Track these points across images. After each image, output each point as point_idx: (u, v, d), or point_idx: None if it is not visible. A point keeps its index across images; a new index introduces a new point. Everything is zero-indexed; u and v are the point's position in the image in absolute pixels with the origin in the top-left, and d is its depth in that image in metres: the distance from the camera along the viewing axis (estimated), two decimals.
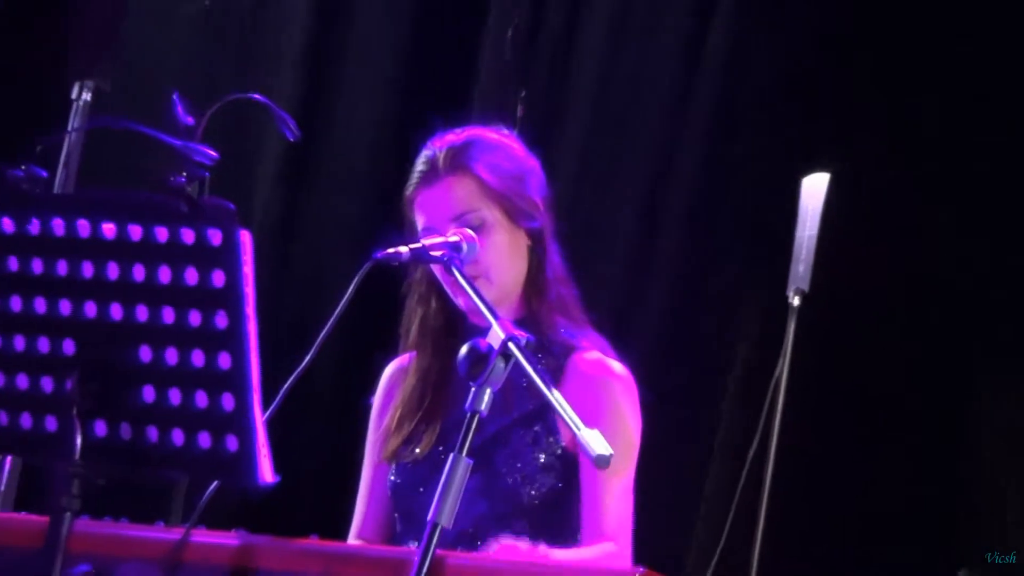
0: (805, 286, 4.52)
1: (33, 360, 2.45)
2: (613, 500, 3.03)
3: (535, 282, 3.14)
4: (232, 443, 2.35)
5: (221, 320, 2.34)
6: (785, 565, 4.49)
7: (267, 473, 2.35)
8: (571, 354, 3.13)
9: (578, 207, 4.92)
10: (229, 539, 2.61)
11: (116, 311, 2.40)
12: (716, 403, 4.82)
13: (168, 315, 2.37)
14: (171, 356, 2.37)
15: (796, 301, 4.53)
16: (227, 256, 2.33)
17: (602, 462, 2.46)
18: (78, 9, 4.82)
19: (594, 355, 3.13)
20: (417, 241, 2.97)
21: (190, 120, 2.47)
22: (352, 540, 3.22)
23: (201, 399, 2.36)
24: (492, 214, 3.09)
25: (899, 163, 4.72)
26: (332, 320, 2.81)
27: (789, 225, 4.58)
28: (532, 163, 3.20)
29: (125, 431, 2.41)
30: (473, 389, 2.55)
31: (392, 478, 3.16)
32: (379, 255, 2.87)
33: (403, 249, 2.90)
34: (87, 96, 4.68)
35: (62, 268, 2.42)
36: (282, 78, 5.50)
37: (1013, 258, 4.65)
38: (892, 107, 4.76)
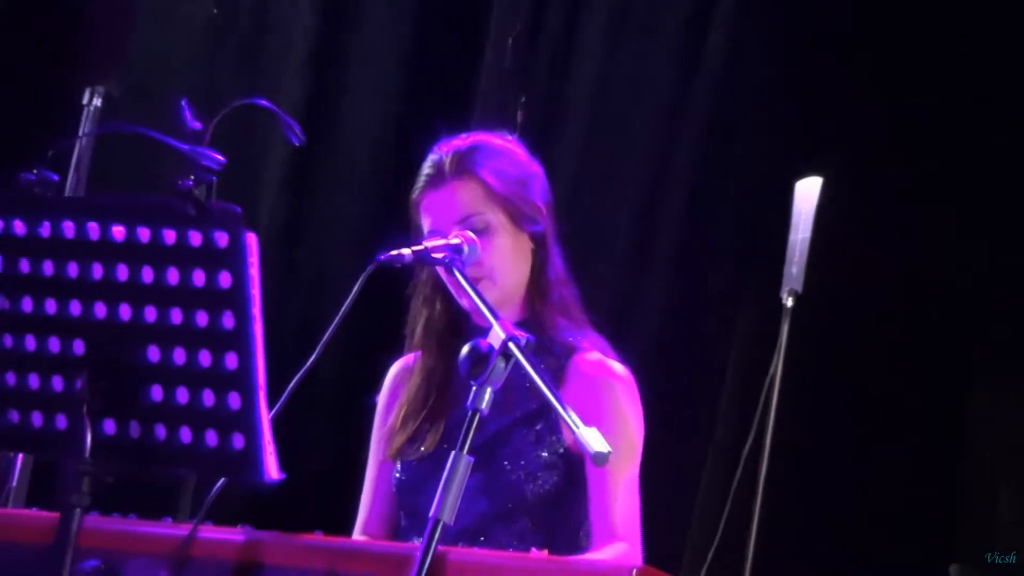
0: (799, 287, 4.52)
1: (44, 360, 2.45)
2: (620, 500, 3.03)
3: (538, 284, 3.15)
4: (238, 441, 2.35)
5: (228, 321, 2.34)
6: (779, 562, 4.49)
7: (272, 470, 2.35)
8: (572, 355, 3.13)
9: (577, 209, 4.92)
10: (235, 535, 2.61)
11: (125, 312, 2.40)
12: (712, 402, 4.82)
13: (176, 316, 2.37)
14: (179, 356, 2.37)
15: (790, 302, 4.53)
16: (234, 258, 2.33)
17: (600, 459, 2.46)
18: (88, 16, 4.82)
19: (595, 356, 3.13)
20: (419, 243, 2.97)
21: (198, 125, 2.47)
22: (357, 536, 3.22)
23: (208, 398, 2.36)
24: (496, 217, 3.10)
25: (891, 167, 4.71)
26: (336, 321, 2.81)
27: (783, 228, 4.58)
28: (536, 168, 3.20)
29: (134, 429, 2.41)
30: (474, 388, 2.55)
31: (397, 475, 3.16)
32: (382, 257, 2.88)
33: (406, 251, 2.91)
34: (97, 102, 4.69)
35: (72, 270, 2.42)
36: (287, 84, 5.50)
37: (1007, 259, 4.64)
38: (884, 112, 4.76)
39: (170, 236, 2.36)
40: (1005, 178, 4.65)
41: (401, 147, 5.36)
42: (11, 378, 2.47)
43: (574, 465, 3.05)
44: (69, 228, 2.41)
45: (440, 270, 3.09)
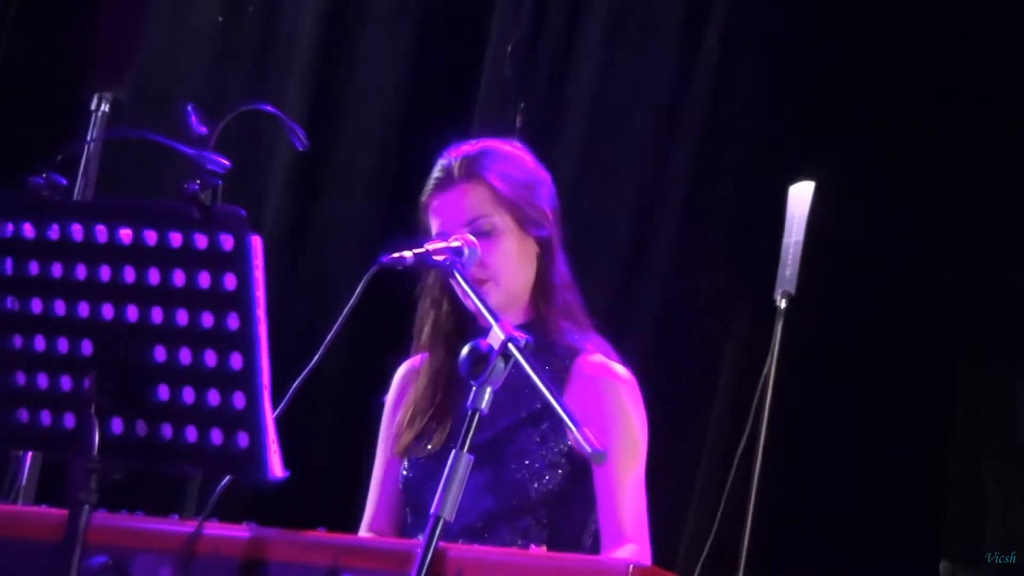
0: (792, 289, 4.52)
1: (52, 360, 2.44)
2: (627, 500, 3.03)
3: (542, 288, 3.15)
4: (243, 439, 2.35)
5: (233, 322, 2.34)
6: (773, 558, 4.48)
7: (277, 468, 2.35)
8: (576, 356, 3.13)
9: (574, 211, 4.91)
10: (240, 532, 2.61)
11: (132, 313, 2.39)
12: (706, 402, 4.82)
13: (182, 317, 2.37)
14: (185, 356, 2.37)
15: (783, 304, 4.53)
16: (239, 260, 2.33)
17: (598, 458, 2.46)
18: (97, 24, 4.82)
19: (598, 358, 3.13)
20: (421, 246, 2.97)
21: (203, 130, 2.46)
22: (363, 532, 3.22)
23: (213, 397, 2.36)
24: (503, 220, 3.10)
25: (882, 172, 4.71)
26: (339, 321, 2.81)
27: (776, 231, 4.57)
28: (543, 175, 3.21)
29: (141, 428, 2.40)
30: (474, 388, 2.55)
31: (404, 473, 3.16)
32: (384, 259, 2.88)
33: (407, 253, 2.90)
34: (105, 107, 4.68)
35: (80, 272, 2.42)
36: (292, 90, 5.50)
37: (994, 262, 4.65)
38: (875, 117, 4.76)
39: (176, 239, 2.35)
40: (993, 182, 4.65)
41: (403, 152, 5.36)
42: (20, 378, 2.47)
43: (579, 465, 3.04)
44: (77, 231, 2.41)
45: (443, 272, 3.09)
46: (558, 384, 3.08)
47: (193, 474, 4.35)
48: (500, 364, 2.54)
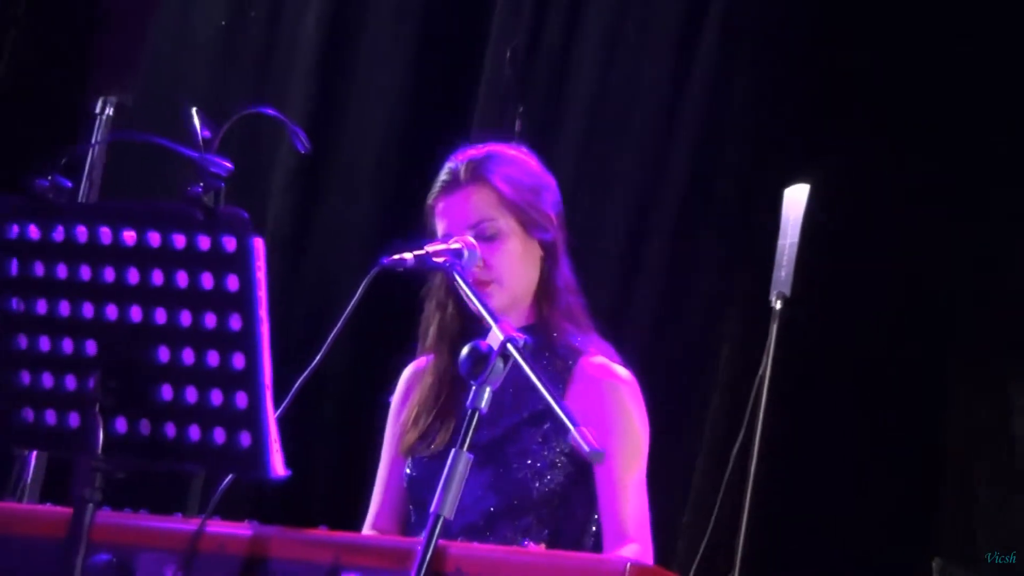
0: (787, 291, 4.52)
1: (57, 360, 2.44)
2: (629, 501, 3.03)
3: (546, 290, 3.15)
4: (245, 439, 2.35)
5: (235, 322, 2.34)
6: (768, 555, 4.48)
7: (279, 467, 2.34)
8: (578, 358, 3.13)
9: (572, 213, 4.91)
10: (243, 529, 2.60)
11: (136, 313, 2.39)
12: (703, 401, 4.81)
13: (185, 317, 2.36)
14: (188, 356, 2.36)
15: (778, 305, 4.53)
16: (241, 262, 2.33)
17: (596, 458, 2.46)
18: (102, 28, 4.82)
19: (600, 359, 3.13)
20: (421, 247, 2.97)
21: (207, 133, 2.46)
22: (367, 530, 3.22)
23: (216, 397, 2.36)
24: (507, 223, 3.11)
25: (876, 175, 4.71)
26: (341, 322, 2.81)
27: (772, 233, 4.57)
28: (548, 180, 3.22)
29: (144, 427, 2.40)
30: (473, 388, 2.55)
31: (408, 471, 3.16)
32: (385, 261, 2.88)
33: (408, 255, 2.91)
34: (110, 111, 4.68)
35: (85, 273, 2.42)
36: (294, 94, 5.50)
37: (988, 264, 4.65)
38: (869, 121, 4.76)
39: (179, 240, 2.35)
40: (989, 183, 4.65)
41: (403, 154, 5.36)
42: (26, 377, 2.47)
43: (580, 465, 3.04)
44: (82, 233, 2.40)
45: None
46: (560, 385, 3.08)
47: (196, 473, 4.35)
48: (499, 364, 2.54)
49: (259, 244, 2.33)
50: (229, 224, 2.32)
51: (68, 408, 2.44)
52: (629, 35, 5.12)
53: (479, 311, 2.75)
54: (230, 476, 2.65)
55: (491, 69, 5.24)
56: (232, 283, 2.33)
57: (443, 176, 3.16)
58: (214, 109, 2.54)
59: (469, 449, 2.51)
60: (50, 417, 2.46)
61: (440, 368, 3.18)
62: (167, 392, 2.38)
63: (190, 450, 2.38)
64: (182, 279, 2.36)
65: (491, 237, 3.08)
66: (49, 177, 2.42)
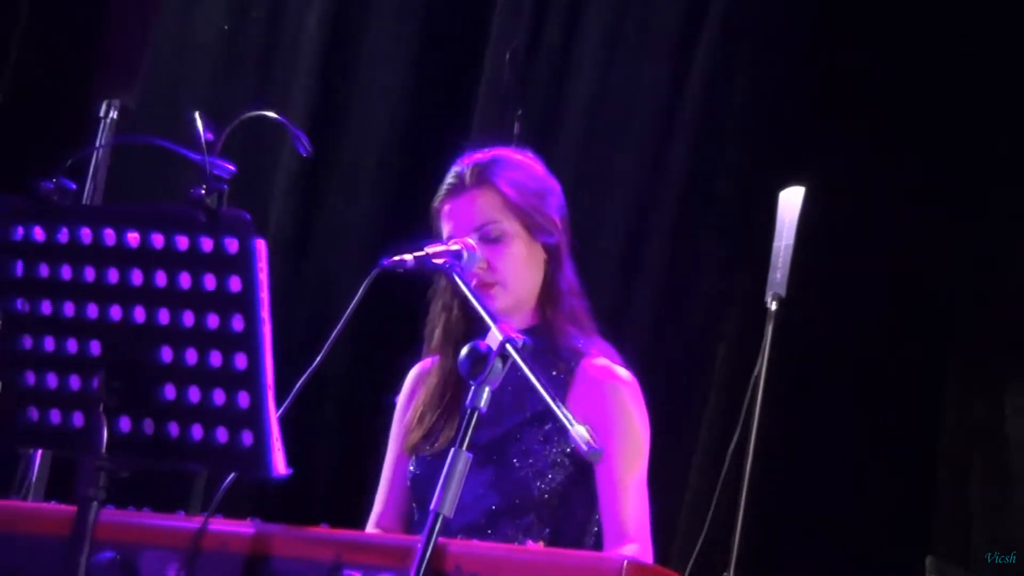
0: (782, 292, 4.51)
1: (62, 360, 2.44)
2: (630, 501, 3.03)
3: (549, 293, 3.16)
4: (247, 438, 2.35)
5: (237, 323, 2.34)
6: (764, 553, 4.48)
7: (280, 466, 2.34)
8: (580, 359, 3.14)
9: (571, 215, 4.91)
10: (245, 527, 2.60)
11: (139, 314, 2.39)
12: (699, 401, 4.81)
13: (188, 318, 2.36)
14: (191, 356, 2.36)
15: (774, 306, 4.53)
16: (243, 263, 2.32)
17: (594, 457, 2.46)
18: (105, 32, 4.82)
19: (601, 361, 3.14)
20: (421, 249, 2.97)
21: (209, 136, 2.45)
22: (371, 527, 3.22)
23: (219, 397, 2.36)
24: (512, 226, 3.11)
25: (870, 177, 4.71)
26: (342, 322, 2.81)
27: (767, 235, 4.57)
28: (553, 184, 3.23)
29: (148, 426, 2.40)
30: (472, 387, 2.55)
31: (412, 469, 3.16)
32: (386, 262, 2.88)
33: (408, 257, 2.91)
34: (114, 114, 4.68)
35: (89, 274, 2.42)
36: (295, 97, 5.50)
37: (983, 266, 4.64)
38: (868, 122, 4.76)
39: (183, 242, 2.35)
40: (982, 185, 4.65)
41: (404, 157, 5.36)
42: (30, 377, 2.47)
43: (581, 465, 3.04)
44: (86, 234, 2.40)
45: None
46: (563, 386, 3.09)
47: (199, 472, 4.35)
48: (498, 364, 2.54)
49: (261, 245, 2.33)
50: (232, 226, 2.32)
51: (72, 408, 2.44)
52: (629, 35, 5.12)
53: (478, 312, 2.76)
54: (232, 475, 2.65)
55: (491, 69, 5.24)
56: (234, 284, 2.33)
57: (449, 179, 3.17)
58: (216, 112, 2.54)
59: (470, 448, 2.51)
60: (55, 417, 2.46)
61: (445, 369, 3.19)
62: (170, 392, 2.38)
63: (193, 449, 2.38)
64: (185, 280, 2.36)
65: (495, 239, 3.09)
66: (54, 179, 2.42)
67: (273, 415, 2.34)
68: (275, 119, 2.85)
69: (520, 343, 2.55)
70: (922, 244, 4.64)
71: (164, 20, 5.42)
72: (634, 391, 3.12)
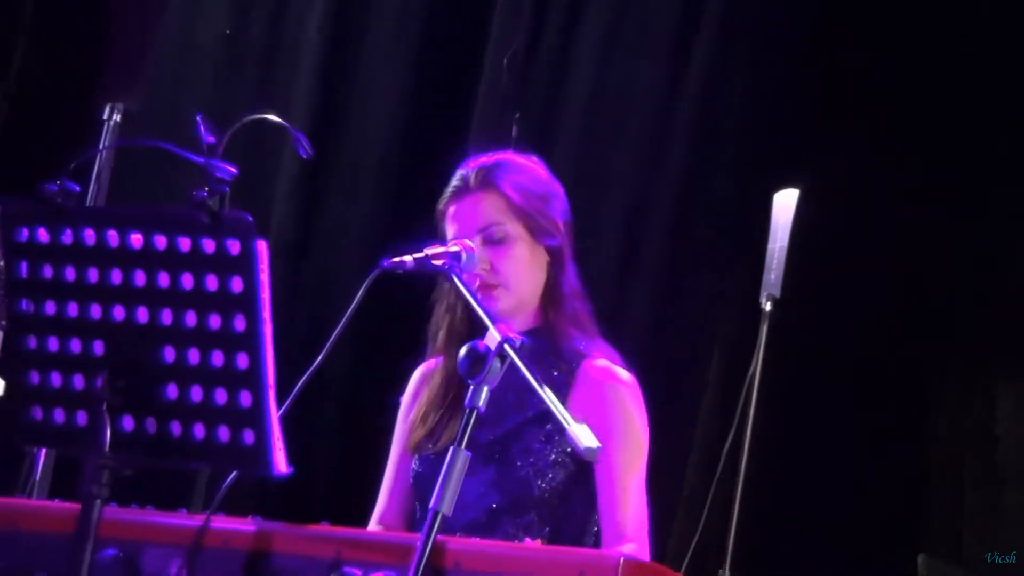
0: (777, 293, 4.52)
1: (65, 360, 2.44)
2: (629, 501, 3.03)
3: (552, 295, 3.17)
4: (249, 437, 2.35)
5: (239, 323, 2.34)
6: (757, 552, 4.48)
7: (281, 464, 2.34)
8: (582, 361, 3.14)
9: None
10: (246, 525, 2.60)
11: (142, 315, 2.39)
12: (694, 400, 4.81)
13: (190, 318, 2.36)
14: (193, 356, 2.36)
15: (768, 306, 4.53)
16: (245, 264, 2.32)
17: (591, 455, 2.46)
18: (109, 37, 4.82)
19: (602, 362, 3.14)
20: (421, 250, 2.97)
21: (211, 139, 2.46)
22: (373, 525, 3.22)
23: (220, 396, 2.36)
24: (515, 229, 3.12)
25: (865, 179, 4.71)
26: (342, 323, 2.81)
27: (762, 237, 4.57)
28: (557, 189, 3.24)
29: (150, 425, 2.40)
30: (471, 387, 2.55)
31: (415, 468, 3.16)
32: (386, 263, 2.89)
33: (407, 258, 2.92)
34: (117, 117, 4.68)
35: (93, 275, 2.42)
36: (296, 101, 5.49)
37: (974, 268, 4.64)
38: (861, 126, 4.76)
39: (185, 243, 2.35)
40: (974, 188, 4.65)
41: (403, 159, 5.36)
42: (35, 377, 2.47)
43: (582, 465, 3.05)
44: (90, 236, 2.41)
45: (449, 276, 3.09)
46: (564, 387, 3.10)
47: (201, 470, 4.34)
48: (496, 364, 2.54)
49: (262, 247, 2.33)
50: (233, 227, 2.32)
51: (76, 407, 2.44)
52: (627, 36, 5.12)
53: (476, 312, 2.76)
54: (234, 473, 2.65)
55: (491, 68, 5.24)
56: (236, 285, 2.33)
57: (454, 182, 3.18)
58: (218, 115, 2.54)
59: (473, 447, 2.51)
60: (59, 416, 2.46)
61: (449, 369, 3.19)
62: (173, 391, 2.38)
63: (195, 448, 2.38)
64: (187, 281, 2.36)
65: (499, 241, 3.10)
66: (58, 182, 2.42)
67: (274, 414, 2.34)
68: (276, 122, 2.86)
69: (518, 343, 2.55)
70: (919, 244, 4.63)
71: (166, 24, 5.42)
72: (634, 392, 3.12)
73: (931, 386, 4.68)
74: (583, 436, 2.46)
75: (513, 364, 2.55)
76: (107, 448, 2.35)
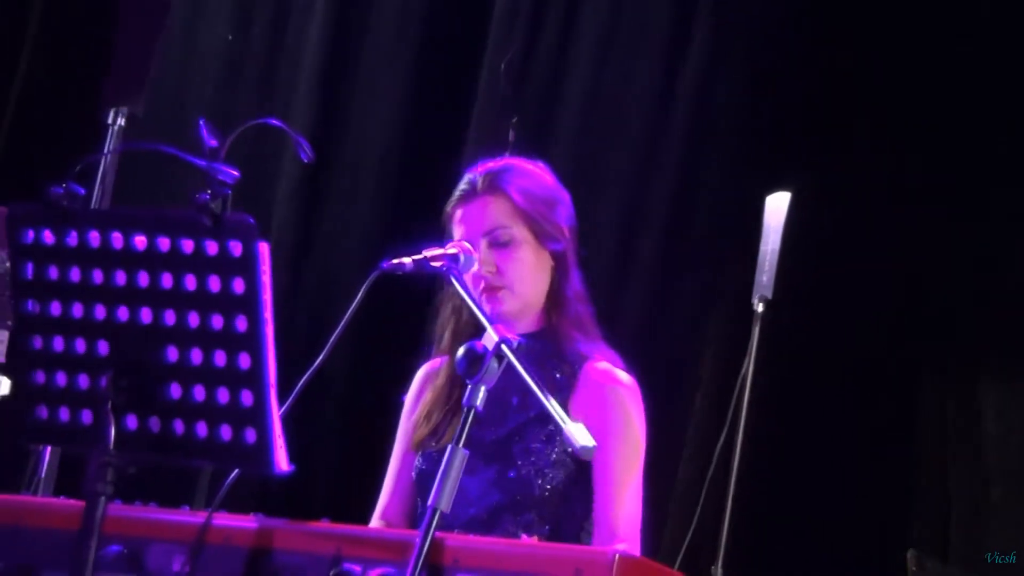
0: (769, 294, 4.52)
1: (71, 359, 2.44)
2: (623, 501, 3.03)
3: (556, 299, 3.17)
4: (251, 435, 2.34)
5: (241, 324, 2.33)
6: (749, 549, 4.48)
7: (283, 462, 2.34)
8: (584, 363, 3.15)
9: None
10: (248, 522, 2.60)
11: (146, 315, 2.39)
12: (688, 399, 4.81)
13: (193, 319, 2.36)
14: (196, 356, 2.36)
15: (760, 308, 4.53)
16: (247, 266, 2.32)
17: (586, 453, 2.46)
18: (113, 42, 4.82)
19: (604, 365, 3.15)
20: (420, 252, 2.97)
21: (214, 143, 2.45)
22: (375, 521, 3.22)
23: (223, 395, 2.35)
24: (520, 232, 3.13)
25: (856, 182, 4.71)
26: (343, 324, 2.81)
27: (754, 239, 4.57)
28: (563, 194, 3.24)
29: (154, 424, 2.40)
30: (469, 386, 2.55)
31: (418, 464, 3.16)
32: (385, 265, 2.89)
33: (406, 260, 2.92)
34: (121, 121, 4.68)
35: (97, 276, 2.41)
36: (298, 105, 5.49)
37: (971, 267, 4.64)
38: (852, 131, 4.76)
39: (188, 245, 2.35)
40: (979, 187, 4.64)
41: (403, 162, 5.35)
42: (40, 376, 2.46)
43: (582, 465, 3.05)
44: (94, 238, 2.40)
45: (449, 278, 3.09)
46: (566, 389, 3.10)
47: (203, 468, 4.34)
48: (494, 364, 2.55)
49: (264, 249, 2.33)
50: (236, 230, 2.32)
51: (81, 406, 2.44)
52: (622, 37, 5.12)
53: (474, 313, 2.76)
54: (236, 471, 2.65)
55: (488, 71, 5.24)
56: (238, 286, 2.33)
57: (462, 185, 3.19)
58: (221, 119, 2.54)
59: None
60: (64, 414, 2.46)
61: (454, 368, 3.19)
62: (176, 390, 2.38)
63: (198, 446, 2.38)
64: (190, 282, 2.36)
65: (505, 244, 3.11)
66: (63, 184, 2.42)
67: (276, 413, 2.34)
68: (278, 126, 2.85)
69: (515, 344, 2.56)
70: (913, 245, 4.62)
71: (169, 29, 5.42)
72: (634, 394, 3.13)
73: (920, 386, 4.68)
74: (579, 435, 2.46)
75: (511, 364, 2.54)
76: (111, 446, 2.35)
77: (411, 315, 4.48)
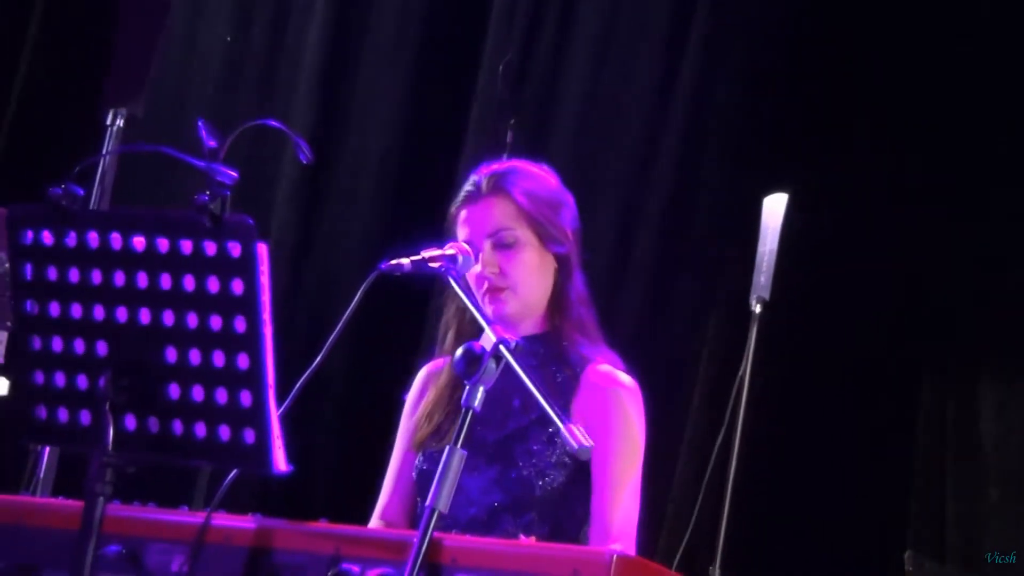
0: (766, 295, 4.52)
1: (69, 360, 2.44)
2: (620, 502, 3.03)
3: (559, 301, 3.17)
4: (249, 436, 2.34)
5: (240, 324, 2.33)
6: (746, 550, 4.48)
7: (281, 463, 2.34)
8: (586, 365, 3.15)
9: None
10: (247, 522, 2.60)
11: (145, 316, 2.39)
12: (686, 399, 4.81)
13: (192, 319, 2.36)
14: (194, 357, 2.36)
15: (758, 308, 4.53)
16: (246, 266, 2.32)
17: (583, 453, 2.46)
18: (114, 43, 4.82)
19: (605, 367, 3.15)
20: (418, 253, 2.97)
21: (213, 144, 2.45)
22: (375, 520, 3.22)
23: (221, 395, 2.35)
24: (524, 234, 3.13)
25: (853, 184, 4.71)
26: (341, 324, 2.81)
27: (752, 240, 4.57)
28: (567, 197, 3.24)
29: (153, 424, 2.40)
30: (467, 387, 2.55)
31: (418, 464, 3.16)
32: (384, 266, 2.89)
33: (405, 261, 2.92)
34: (121, 122, 4.68)
35: (96, 277, 2.41)
36: (297, 107, 5.49)
37: (958, 271, 4.64)
38: (847, 133, 4.76)
39: (187, 246, 2.35)
40: (979, 187, 4.64)
41: (403, 163, 5.36)
42: (39, 377, 2.46)
43: (583, 466, 3.05)
44: (93, 238, 2.40)
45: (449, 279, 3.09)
46: (568, 391, 3.10)
47: (202, 468, 4.34)
48: (492, 365, 2.55)
49: (263, 250, 2.32)
50: (235, 231, 2.32)
51: (80, 406, 2.44)
52: (615, 52, 5.12)
53: (473, 313, 2.76)
54: (235, 471, 2.64)
55: (487, 73, 5.24)
56: (237, 287, 2.33)
57: (467, 187, 3.19)
58: (220, 120, 2.54)
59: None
60: (63, 414, 2.46)
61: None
62: (175, 391, 2.38)
63: (197, 446, 2.38)
64: (189, 283, 2.36)
65: (509, 246, 3.11)
66: (62, 185, 2.41)
67: (274, 413, 2.34)
68: (277, 128, 2.85)
69: (513, 344, 2.56)
70: (912, 245, 4.63)
71: (169, 30, 5.42)
72: (635, 397, 3.13)
73: (920, 386, 4.68)
74: (576, 435, 2.46)
75: (510, 366, 2.55)
76: (110, 446, 2.35)
77: (410, 316, 4.48)
